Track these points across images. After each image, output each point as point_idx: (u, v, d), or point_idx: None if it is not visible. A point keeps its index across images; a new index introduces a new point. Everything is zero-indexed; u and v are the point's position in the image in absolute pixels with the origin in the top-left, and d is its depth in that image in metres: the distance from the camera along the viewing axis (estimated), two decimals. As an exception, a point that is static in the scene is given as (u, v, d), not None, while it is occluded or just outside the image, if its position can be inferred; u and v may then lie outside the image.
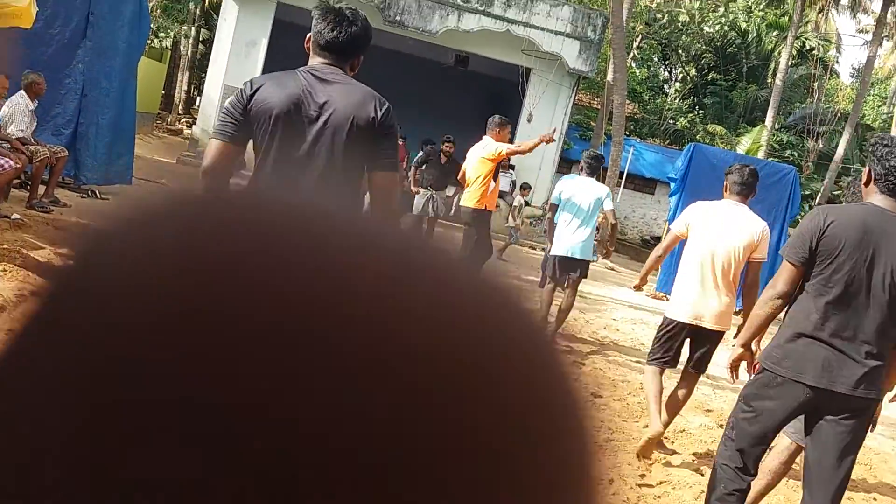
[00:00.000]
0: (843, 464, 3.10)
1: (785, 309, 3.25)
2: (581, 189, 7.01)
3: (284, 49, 19.26)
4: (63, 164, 8.47)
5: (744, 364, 3.51)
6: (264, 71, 17.43)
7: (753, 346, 3.50)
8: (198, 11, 28.00)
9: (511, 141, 7.88)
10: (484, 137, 7.35)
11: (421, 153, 11.90)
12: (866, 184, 3.11)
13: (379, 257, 0.27)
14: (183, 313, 0.24)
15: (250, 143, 2.93)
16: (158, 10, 24.68)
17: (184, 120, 26.10)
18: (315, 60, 2.93)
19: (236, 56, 17.22)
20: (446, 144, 11.38)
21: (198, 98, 24.61)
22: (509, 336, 0.28)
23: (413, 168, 11.56)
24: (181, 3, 27.27)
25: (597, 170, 7.22)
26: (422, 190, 11.02)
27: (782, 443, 3.79)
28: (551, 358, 0.29)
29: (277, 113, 2.80)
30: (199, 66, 30.13)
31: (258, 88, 2.84)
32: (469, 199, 7.31)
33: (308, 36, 2.98)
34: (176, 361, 0.23)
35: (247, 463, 0.22)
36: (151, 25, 13.25)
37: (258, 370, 0.23)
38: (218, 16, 18.23)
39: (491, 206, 7.50)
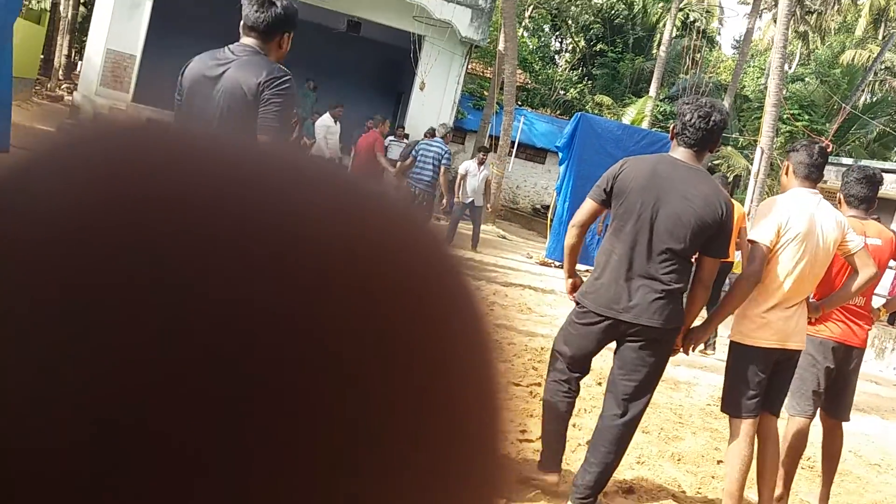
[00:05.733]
0: (641, 385, 3.48)
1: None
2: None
3: (170, 10, 18.75)
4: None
5: None
6: (149, 34, 16.93)
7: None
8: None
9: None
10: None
11: (405, 146, 12.36)
12: (671, 138, 3.52)
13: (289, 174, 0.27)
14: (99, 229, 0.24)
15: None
16: (34, -31, 23.53)
17: (64, 86, 25.00)
18: (242, 39, 3.25)
19: (119, 18, 16.62)
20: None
21: (79, 63, 23.63)
22: (409, 247, 0.28)
23: (400, 162, 11.79)
24: (59, -38, 26.06)
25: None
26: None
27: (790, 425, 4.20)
28: (452, 273, 0.29)
29: (188, 84, 3.19)
30: (81, 30, 28.91)
31: (189, 62, 3.24)
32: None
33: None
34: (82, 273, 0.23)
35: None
36: (26, -15, 12.66)
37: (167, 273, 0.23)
38: (99, -24, 17.49)
39: None
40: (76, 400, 0.22)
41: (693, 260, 3.53)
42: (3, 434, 0.22)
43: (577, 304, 3.57)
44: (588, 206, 3.54)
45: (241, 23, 3.25)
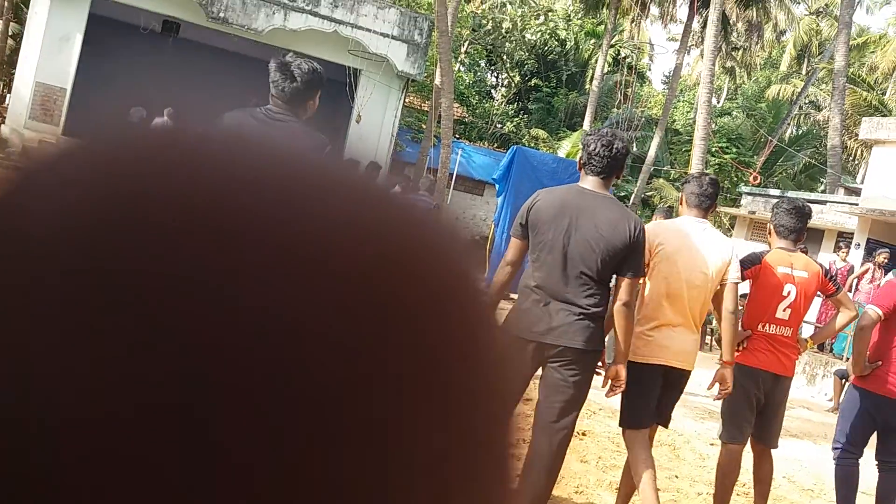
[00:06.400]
0: (565, 407, 3.54)
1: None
2: None
3: (100, 45, 18.47)
4: None
5: None
6: (79, 68, 16.64)
7: None
8: (6, 4, 26.25)
9: None
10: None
11: None
12: (579, 168, 3.65)
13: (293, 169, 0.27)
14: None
15: None
16: (-40, 1, 23.00)
17: (-9, 119, 24.41)
18: (271, 102, 3.45)
19: (48, 52, 16.32)
20: None
21: (7, 96, 23.08)
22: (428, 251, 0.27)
23: None
24: (-14, -6, 25.50)
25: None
26: None
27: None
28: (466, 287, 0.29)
29: None
30: (9, 63, 28.29)
31: (226, 120, 3.37)
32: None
33: None
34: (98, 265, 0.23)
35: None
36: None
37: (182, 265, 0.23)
38: (28, 8, 17.19)
39: None
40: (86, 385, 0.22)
41: (612, 284, 3.66)
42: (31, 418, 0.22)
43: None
44: (513, 243, 3.66)
45: (271, 88, 3.43)
